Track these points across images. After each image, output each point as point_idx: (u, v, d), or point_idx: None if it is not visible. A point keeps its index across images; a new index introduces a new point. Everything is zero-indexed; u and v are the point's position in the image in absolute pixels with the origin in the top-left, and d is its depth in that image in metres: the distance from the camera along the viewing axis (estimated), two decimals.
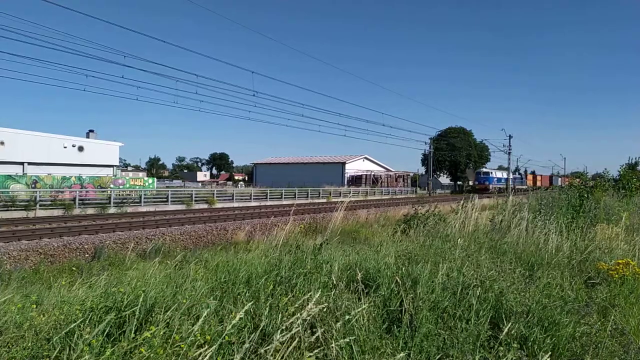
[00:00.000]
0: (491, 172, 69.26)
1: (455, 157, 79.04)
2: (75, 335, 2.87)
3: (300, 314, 3.00)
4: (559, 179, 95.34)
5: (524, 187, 65.66)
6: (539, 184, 77.94)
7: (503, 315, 3.82)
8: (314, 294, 3.47)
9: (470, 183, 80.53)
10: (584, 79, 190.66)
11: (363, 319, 3.38)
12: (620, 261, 5.92)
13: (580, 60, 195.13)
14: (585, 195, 11.82)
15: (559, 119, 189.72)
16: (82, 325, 3.02)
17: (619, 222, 9.99)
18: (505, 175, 67.29)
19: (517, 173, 73.66)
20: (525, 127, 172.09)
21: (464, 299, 4.06)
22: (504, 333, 3.40)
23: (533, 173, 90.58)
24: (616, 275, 5.60)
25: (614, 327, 4.05)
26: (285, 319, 3.18)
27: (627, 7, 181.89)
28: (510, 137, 55.87)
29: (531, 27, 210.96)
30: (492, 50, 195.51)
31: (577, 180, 15.86)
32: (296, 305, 3.42)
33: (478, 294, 4.09)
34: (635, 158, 27.75)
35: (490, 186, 62.13)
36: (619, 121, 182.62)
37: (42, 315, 3.31)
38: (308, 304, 3.08)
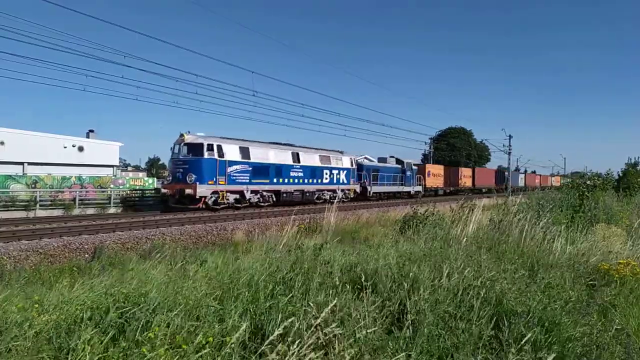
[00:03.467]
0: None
1: (455, 157, 78.98)
2: (76, 335, 2.87)
3: (315, 321, 3.00)
4: (521, 176, 62.79)
5: (411, 189, 36.47)
6: (465, 184, 46.92)
7: (504, 316, 3.82)
8: (325, 298, 3.46)
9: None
10: (585, 78, 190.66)
11: (364, 320, 3.39)
12: (621, 261, 5.92)
13: (581, 59, 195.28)
14: (586, 195, 11.83)
15: (560, 119, 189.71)
16: (82, 326, 3.02)
17: (618, 222, 10.00)
18: (333, 163, 28.79)
19: (398, 163, 36.60)
20: (526, 127, 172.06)
21: (465, 300, 4.06)
22: (505, 334, 3.40)
23: (462, 165, 55.11)
24: (616, 275, 5.60)
25: (614, 327, 4.05)
26: (286, 319, 3.18)
27: (627, 6, 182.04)
28: (510, 137, 55.59)
29: (532, 27, 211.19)
30: (492, 50, 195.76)
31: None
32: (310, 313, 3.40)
33: (479, 294, 4.09)
34: (635, 158, 27.79)
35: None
36: (620, 121, 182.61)
37: (42, 315, 3.31)
38: (322, 311, 3.07)
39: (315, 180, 27.32)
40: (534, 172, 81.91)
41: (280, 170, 24.69)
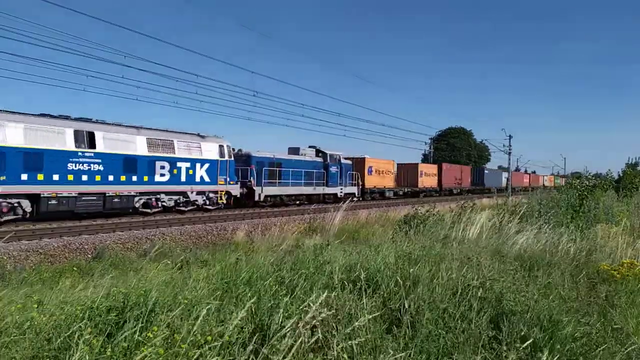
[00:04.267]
0: None
1: (455, 158, 78.81)
2: (76, 335, 2.87)
3: (304, 317, 2.98)
4: (504, 174, 52.08)
5: (338, 191, 27.36)
6: (426, 184, 38.25)
7: (504, 316, 3.82)
8: (318, 295, 3.45)
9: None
10: (585, 77, 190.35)
11: (364, 319, 3.38)
12: (624, 262, 5.92)
13: (581, 58, 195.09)
14: (585, 195, 11.85)
15: (561, 119, 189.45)
16: (83, 326, 3.02)
17: (618, 222, 10.01)
18: (182, 153, 18.52)
19: (319, 155, 27.50)
20: (526, 127, 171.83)
21: (464, 300, 4.06)
22: (504, 333, 3.40)
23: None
24: (618, 276, 5.60)
25: (614, 327, 4.05)
26: (286, 319, 3.18)
27: (628, 5, 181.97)
28: (510, 137, 55.34)
29: (533, 28, 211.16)
30: (492, 50, 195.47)
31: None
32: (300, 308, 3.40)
33: (479, 294, 4.10)
34: (635, 158, 27.84)
35: None
36: (620, 119, 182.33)
37: (42, 316, 3.31)
38: (312, 306, 3.06)
39: (135, 178, 16.88)
40: (533, 172, 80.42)
41: (39, 160, 14.05)
